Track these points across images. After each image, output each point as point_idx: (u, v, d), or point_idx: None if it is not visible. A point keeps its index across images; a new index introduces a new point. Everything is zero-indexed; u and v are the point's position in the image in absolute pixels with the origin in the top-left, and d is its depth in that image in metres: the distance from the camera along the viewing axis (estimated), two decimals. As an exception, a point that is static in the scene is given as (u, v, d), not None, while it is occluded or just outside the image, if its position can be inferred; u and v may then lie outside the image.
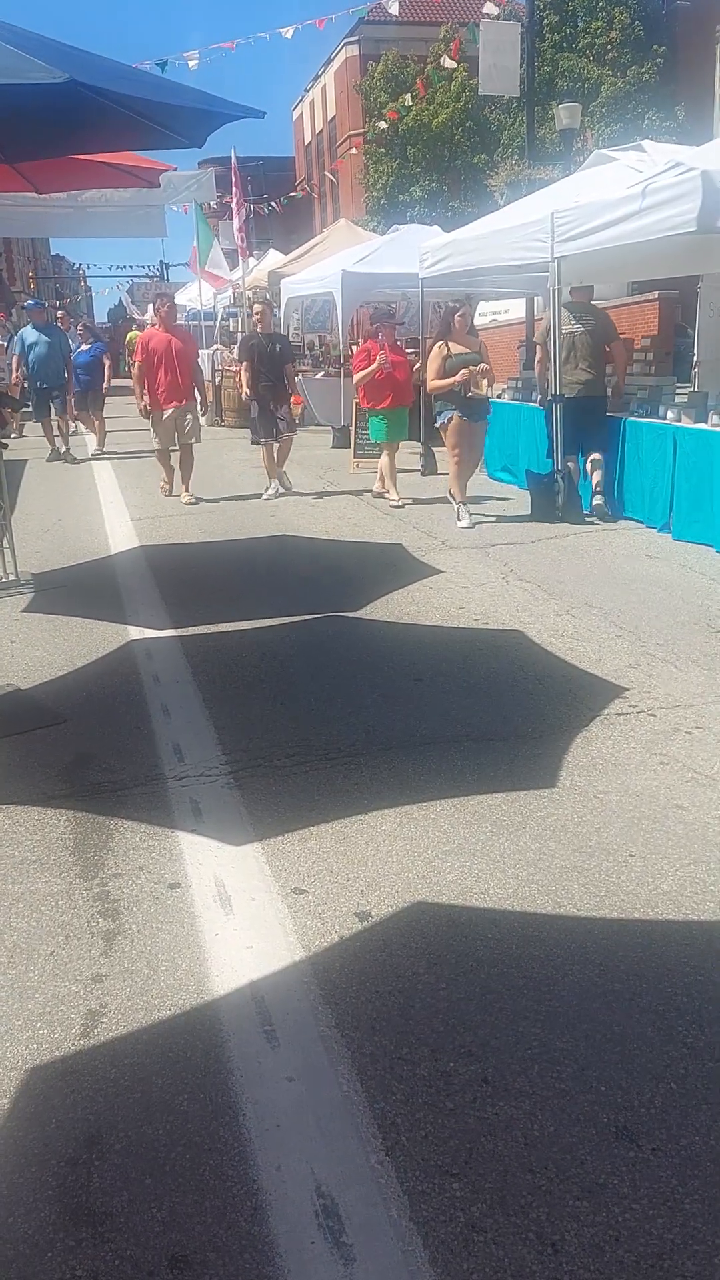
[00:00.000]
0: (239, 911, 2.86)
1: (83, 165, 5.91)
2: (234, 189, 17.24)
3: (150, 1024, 2.40)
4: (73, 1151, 2.03)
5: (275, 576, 6.94)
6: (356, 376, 9.46)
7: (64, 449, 13.21)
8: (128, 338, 33.55)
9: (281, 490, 9.90)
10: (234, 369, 16.91)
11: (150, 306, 15.16)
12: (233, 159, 17.11)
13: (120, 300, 40.18)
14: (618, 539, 7.59)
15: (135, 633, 5.53)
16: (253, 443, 9.77)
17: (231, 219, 18.92)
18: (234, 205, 17.57)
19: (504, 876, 3.00)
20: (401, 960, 2.61)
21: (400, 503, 9.16)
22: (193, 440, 9.77)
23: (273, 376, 9.58)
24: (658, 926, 2.72)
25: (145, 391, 9.62)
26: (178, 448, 9.84)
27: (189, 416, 9.71)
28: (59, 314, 13.87)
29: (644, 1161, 1.96)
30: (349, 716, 4.26)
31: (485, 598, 6.01)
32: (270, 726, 4.17)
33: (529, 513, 8.45)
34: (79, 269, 74.98)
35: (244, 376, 9.84)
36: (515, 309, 17.14)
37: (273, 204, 27.96)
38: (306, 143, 49.32)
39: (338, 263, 13.97)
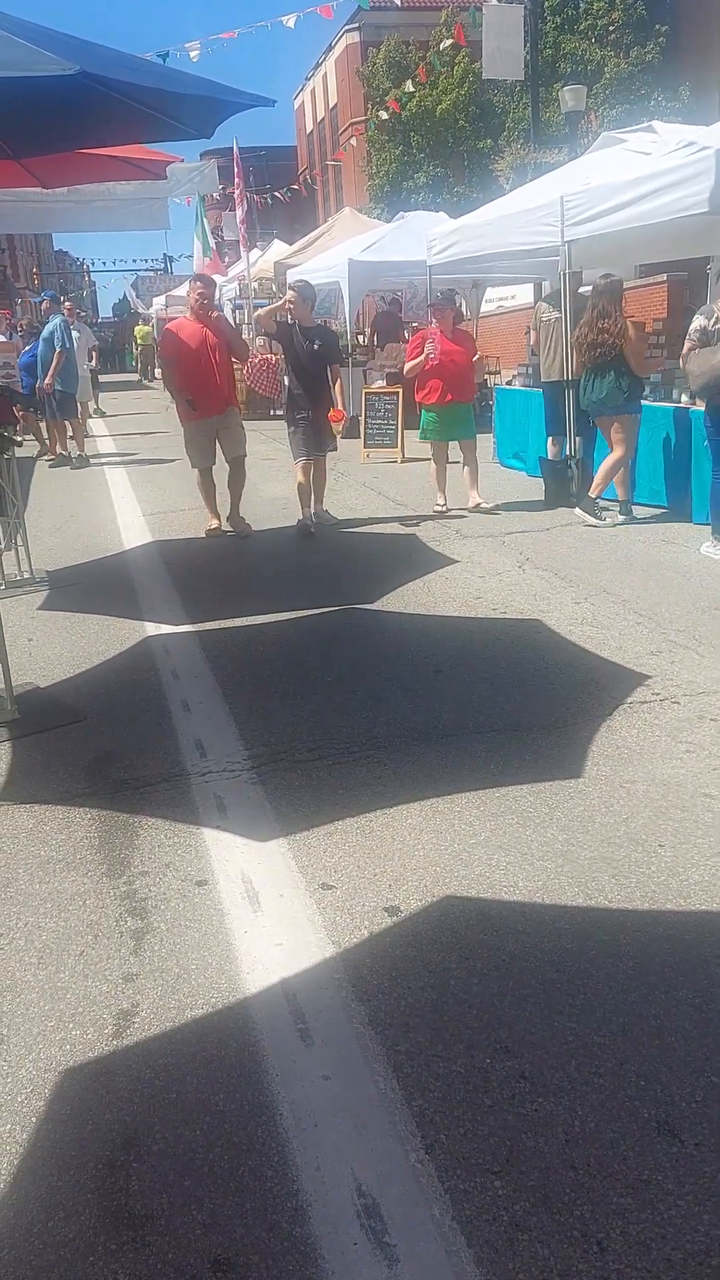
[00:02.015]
0: (267, 908, 2.85)
1: (89, 159, 5.87)
2: (236, 180, 17.16)
3: (183, 1023, 2.39)
4: (110, 1154, 2.02)
5: (289, 569, 6.92)
6: (405, 367, 8.39)
7: (76, 452, 12.76)
8: (134, 331, 33.37)
9: (329, 521, 8.11)
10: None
11: (158, 300, 15.07)
12: (234, 150, 17.01)
13: (124, 294, 40.16)
14: (632, 526, 7.53)
15: (152, 628, 5.51)
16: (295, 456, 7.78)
17: (234, 210, 18.85)
18: (236, 196, 17.48)
19: (532, 869, 2.97)
20: (432, 955, 2.59)
21: (444, 507, 8.28)
22: (240, 453, 7.83)
23: (310, 379, 7.67)
24: (691, 918, 2.70)
25: (176, 396, 7.85)
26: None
27: (231, 425, 7.79)
28: (65, 305, 13.67)
29: (687, 1156, 1.94)
30: (370, 709, 4.24)
31: (502, 587, 5.97)
32: (291, 720, 4.15)
33: (543, 500, 8.40)
34: (83, 264, 74.91)
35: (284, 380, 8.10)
36: (522, 294, 17.05)
37: (276, 194, 27.83)
38: (308, 131, 49.07)
39: (344, 251, 13.91)
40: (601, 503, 7.66)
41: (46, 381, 11.90)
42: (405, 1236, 1.80)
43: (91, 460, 12.84)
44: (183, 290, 28.58)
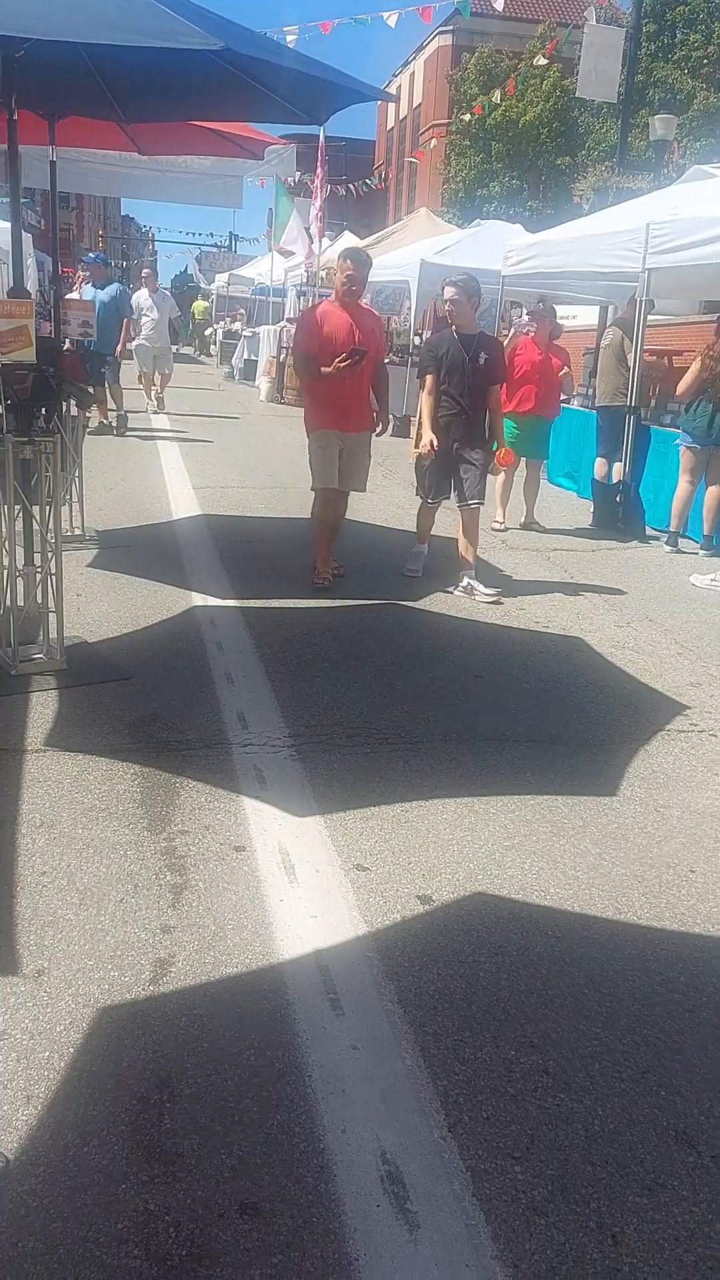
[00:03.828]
0: (303, 881, 2.91)
1: (192, 131, 5.97)
2: (319, 168, 17.17)
3: (218, 979, 2.46)
4: (144, 1091, 2.09)
5: (335, 558, 6.96)
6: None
7: (115, 418, 12.22)
8: (193, 307, 33.35)
9: (484, 592, 6.01)
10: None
11: (220, 277, 14.92)
12: (320, 138, 17.03)
13: (186, 267, 40.29)
14: (680, 556, 7.56)
15: (198, 599, 5.58)
16: (418, 493, 6.45)
17: (310, 198, 18.90)
18: (316, 184, 17.52)
19: (564, 878, 3.03)
20: (463, 946, 2.65)
21: (502, 526, 8.00)
22: (360, 487, 6.10)
23: (467, 402, 5.99)
24: (718, 944, 2.75)
25: (309, 400, 6.04)
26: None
27: (360, 451, 5.94)
28: (144, 273, 13.57)
29: (704, 1168, 1.99)
30: (409, 705, 4.30)
31: (545, 602, 6.02)
32: (332, 705, 4.21)
33: (591, 524, 8.44)
34: (148, 232, 75.12)
35: (424, 402, 6.06)
36: (585, 315, 17.06)
37: (351, 186, 27.86)
38: (389, 128, 49.14)
39: (416, 252, 13.95)
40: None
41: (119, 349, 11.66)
42: (426, 1205, 1.87)
43: (129, 430, 12.50)
44: (250, 270, 28.63)
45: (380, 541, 7.48)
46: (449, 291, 6.08)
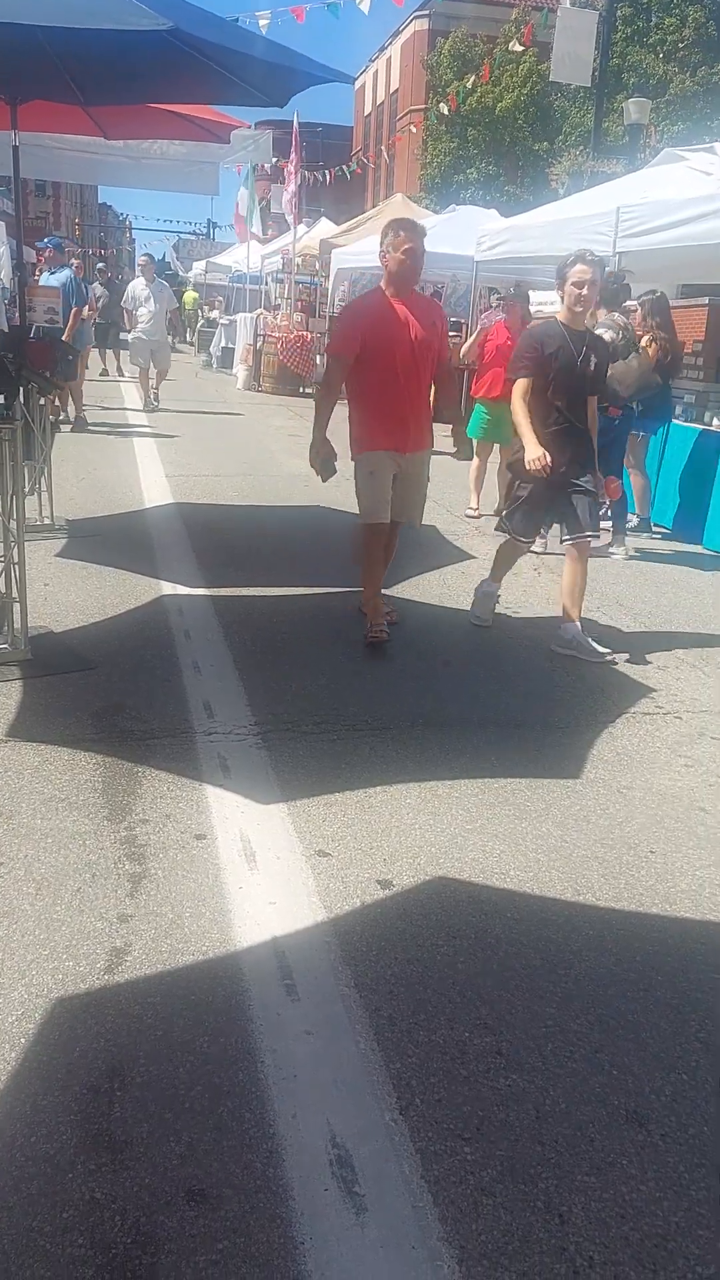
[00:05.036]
0: (263, 868, 2.91)
1: (155, 114, 5.91)
2: (294, 154, 17.09)
3: (174, 967, 2.45)
4: (95, 1080, 2.08)
5: (307, 546, 6.96)
6: (464, 348, 8.18)
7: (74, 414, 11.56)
8: (184, 298, 32.94)
9: (598, 651, 4.85)
10: (275, 335, 16.90)
11: (198, 265, 14.60)
12: (294, 123, 16.96)
13: (164, 255, 39.97)
14: (654, 543, 7.58)
15: (168, 588, 5.56)
16: (498, 529, 5.62)
17: (284, 183, 18.79)
18: (291, 170, 17.43)
19: (525, 859, 3.04)
20: (421, 930, 2.65)
21: (476, 512, 7.94)
22: (417, 516, 5.02)
23: (575, 415, 4.82)
24: (675, 923, 2.76)
25: (357, 414, 4.74)
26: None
27: (417, 472, 4.86)
28: (140, 260, 13.10)
29: (653, 1146, 2.00)
30: (377, 691, 4.29)
31: (517, 588, 6.02)
32: (299, 693, 4.20)
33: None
34: (125, 219, 74.61)
35: (519, 409, 4.78)
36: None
37: (327, 172, 27.70)
38: (366, 114, 48.90)
39: (391, 238, 13.87)
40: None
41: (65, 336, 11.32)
42: (375, 1188, 1.87)
43: (90, 425, 11.78)
44: (226, 258, 28.34)
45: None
46: (581, 271, 4.66)
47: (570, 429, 4.81)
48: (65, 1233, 1.74)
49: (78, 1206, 1.79)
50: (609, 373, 5.38)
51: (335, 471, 4.70)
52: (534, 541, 5.36)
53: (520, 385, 4.82)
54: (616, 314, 6.80)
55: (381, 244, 4.67)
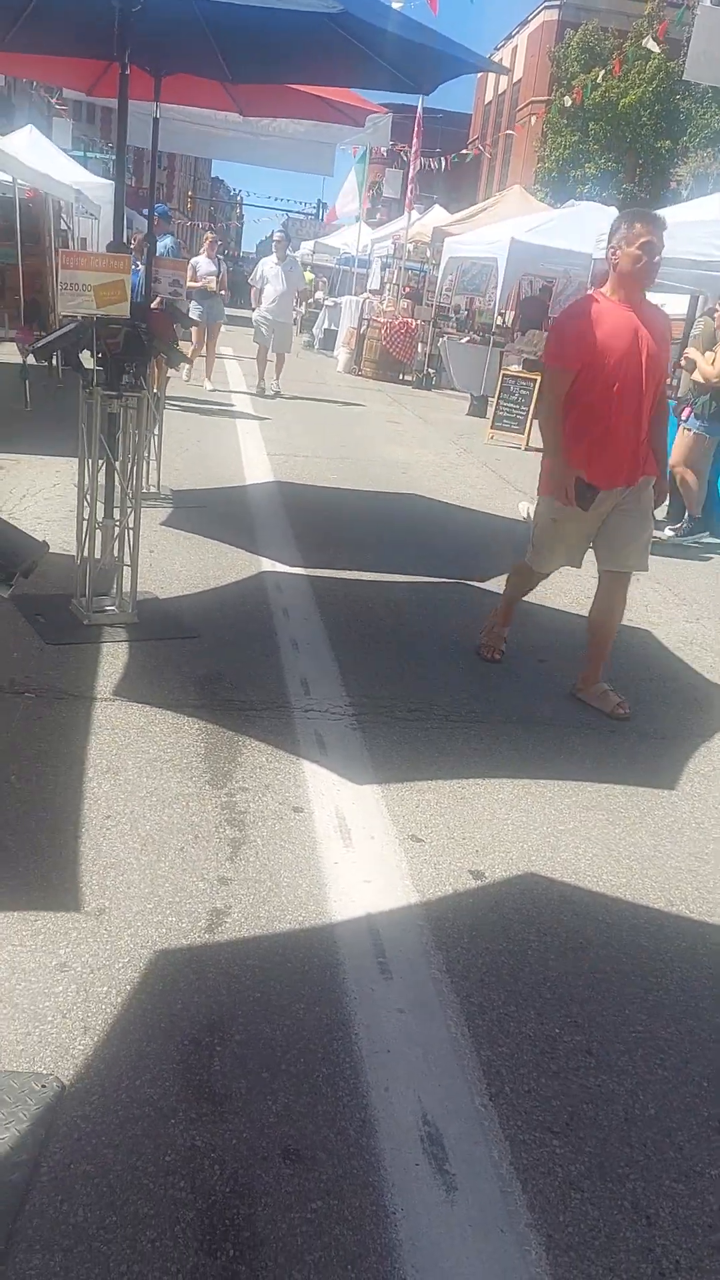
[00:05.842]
0: (358, 846, 2.95)
1: (296, 95, 5.94)
2: (415, 139, 17.07)
3: (271, 933, 2.51)
4: (196, 1033, 2.15)
5: (404, 533, 6.98)
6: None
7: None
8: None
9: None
10: (380, 320, 16.91)
11: (306, 245, 14.34)
12: (419, 109, 16.90)
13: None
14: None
15: (267, 564, 5.64)
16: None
17: (401, 168, 18.77)
18: (411, 156, 17.39)
19: (618, 866, 3.03)
20: (513, 924, 2.68)
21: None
22: (643, 564, 4.20)
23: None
24: (769, 944, 2.73)
25: (563, 437, 3.95)
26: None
27: (641, 509, 4.08)
28: (275, 236, 12.49)
29: (742, 1161, 2.00)
30: (471, 684, 4.31)
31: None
32: (394, 679, 4.24)
33: (666, 514, 8.32)
34: (236, 195, 75.15)
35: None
36: (673, 305, 16.73)
37: (444, 159, 27.53)
38: (486, 102, 48.39)
39: (507, 229, 13.75)
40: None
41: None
42: (464, 1168, 1.91)
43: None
44: (335, 239, 28.35)
45: (451, 520, 7.47)
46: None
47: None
48: (168, 1175, 1.81)
49: (179, 1151, 1.86)
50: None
51: (597, 493, 3.90)
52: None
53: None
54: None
55: (611, 238, 3.87)
